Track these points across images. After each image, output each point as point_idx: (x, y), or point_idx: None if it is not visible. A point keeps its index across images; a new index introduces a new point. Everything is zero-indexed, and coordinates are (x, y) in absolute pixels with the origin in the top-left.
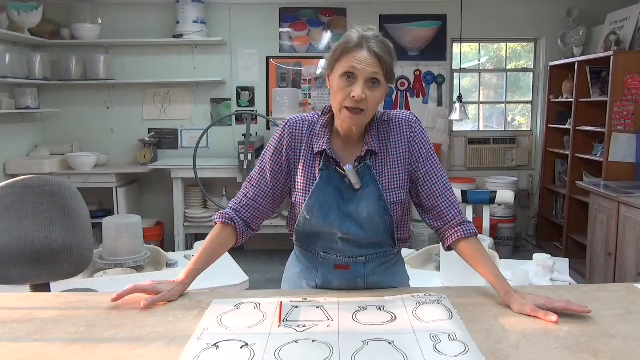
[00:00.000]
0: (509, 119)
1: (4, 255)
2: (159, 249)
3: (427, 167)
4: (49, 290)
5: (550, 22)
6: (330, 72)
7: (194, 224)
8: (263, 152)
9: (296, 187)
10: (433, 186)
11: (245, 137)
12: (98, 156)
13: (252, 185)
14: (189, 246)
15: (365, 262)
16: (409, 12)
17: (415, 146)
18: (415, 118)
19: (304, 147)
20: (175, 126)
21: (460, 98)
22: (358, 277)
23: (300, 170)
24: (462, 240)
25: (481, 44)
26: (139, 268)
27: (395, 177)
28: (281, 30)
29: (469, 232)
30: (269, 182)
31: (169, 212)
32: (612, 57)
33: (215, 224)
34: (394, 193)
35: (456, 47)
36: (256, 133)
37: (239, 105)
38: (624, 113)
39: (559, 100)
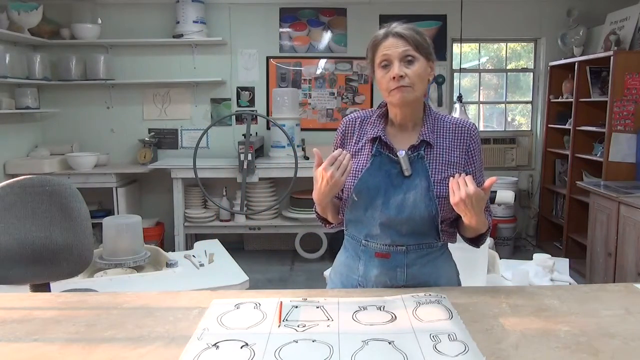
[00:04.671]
0: (509, 119)
1: (4, 255)
2: (159, 249)
3: (477, 178)
4: (49, 290)
5: (550, 22)
6: (374, 75)
7: (194, 224)
8: None
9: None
10: None
11: (245, 137)
12: (98, 156)
13: None
14: (189, 246)
15: (406, 252)
16: (409, 12)
17: (475, 156)
18: (476, 128)
19: (355, 138)
20: (175, 126)
21: (460, 98)
22: (398, 267)
23: (352, 158)
24: None
25: (481, 44)
26: (139, 268)
27: (446, 173)
28: (281, 30)
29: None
30: None
31: (169, 212)
32: (612, 57)
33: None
34: (443, 188)
35: (456, 47)
36: (256, 133)
37: (239, 105)
38: (624, 113)
39: (559, 100)
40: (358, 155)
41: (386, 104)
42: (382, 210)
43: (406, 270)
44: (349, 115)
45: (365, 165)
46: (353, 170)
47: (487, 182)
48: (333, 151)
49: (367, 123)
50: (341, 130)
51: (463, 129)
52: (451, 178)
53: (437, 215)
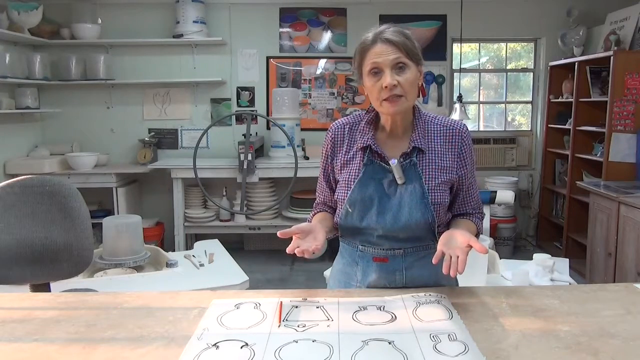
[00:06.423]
0: (509, 119)
1: (4, 255)
2: (159, 249)
3: (469, 179)
4: (49, 290)
5: (550, 22)
6: (361, 80)
7: (194, 224)
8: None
9: (340, 183)
10: (466, 191)
11: (245, 137)
12: (98, 156)
13: (319, 191)
14: (189, 246)
15: (404, 255)
16: (409, 12)
17: (466, 159)
18: (467, 129)
19: (345, 146)
20: (175, 126)
21: (460, 98)
22: (397, 270)
23: (344, 168)
24: (460, 216)
25: (481, 44)
26: (139, 268)
27: (440, 179)
28: (281, 30)
29: (471, 218)
30: (325, 188)
31: (169, 212)
32: (612, 57)
33: (312, 216)
34: (438, 194)
35: (456, 47)
36: (256, 133)
37: (239, 105)
38: (624, 113)
39: (559, 100)
40: (349, 164)
41: (374, 109)
42: (377, 220)
43: (405, 273)
44: (336, 122)
45: (357, 175)
46: (345, 181)
47: (474, 246)
48: (322, 158)
49: (356, 130)
50: (330, 138)
51: (454, 131)
52: (443, 248)
53: (433, 222)
